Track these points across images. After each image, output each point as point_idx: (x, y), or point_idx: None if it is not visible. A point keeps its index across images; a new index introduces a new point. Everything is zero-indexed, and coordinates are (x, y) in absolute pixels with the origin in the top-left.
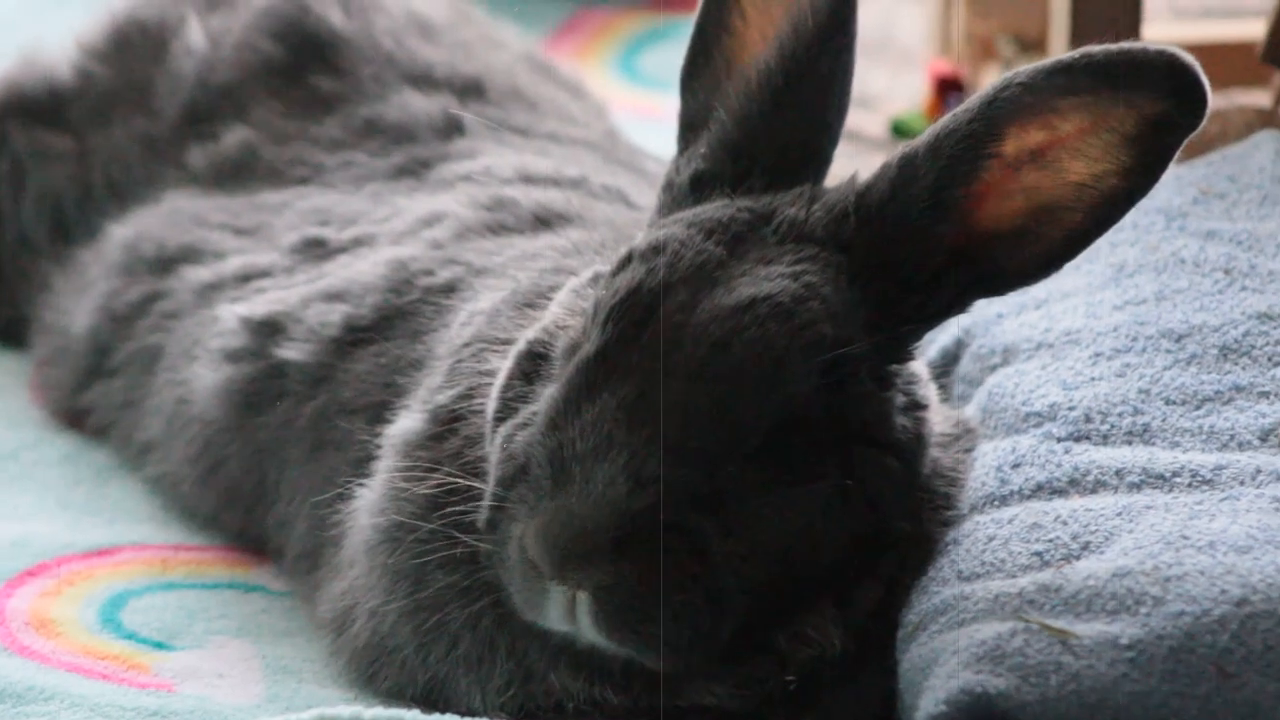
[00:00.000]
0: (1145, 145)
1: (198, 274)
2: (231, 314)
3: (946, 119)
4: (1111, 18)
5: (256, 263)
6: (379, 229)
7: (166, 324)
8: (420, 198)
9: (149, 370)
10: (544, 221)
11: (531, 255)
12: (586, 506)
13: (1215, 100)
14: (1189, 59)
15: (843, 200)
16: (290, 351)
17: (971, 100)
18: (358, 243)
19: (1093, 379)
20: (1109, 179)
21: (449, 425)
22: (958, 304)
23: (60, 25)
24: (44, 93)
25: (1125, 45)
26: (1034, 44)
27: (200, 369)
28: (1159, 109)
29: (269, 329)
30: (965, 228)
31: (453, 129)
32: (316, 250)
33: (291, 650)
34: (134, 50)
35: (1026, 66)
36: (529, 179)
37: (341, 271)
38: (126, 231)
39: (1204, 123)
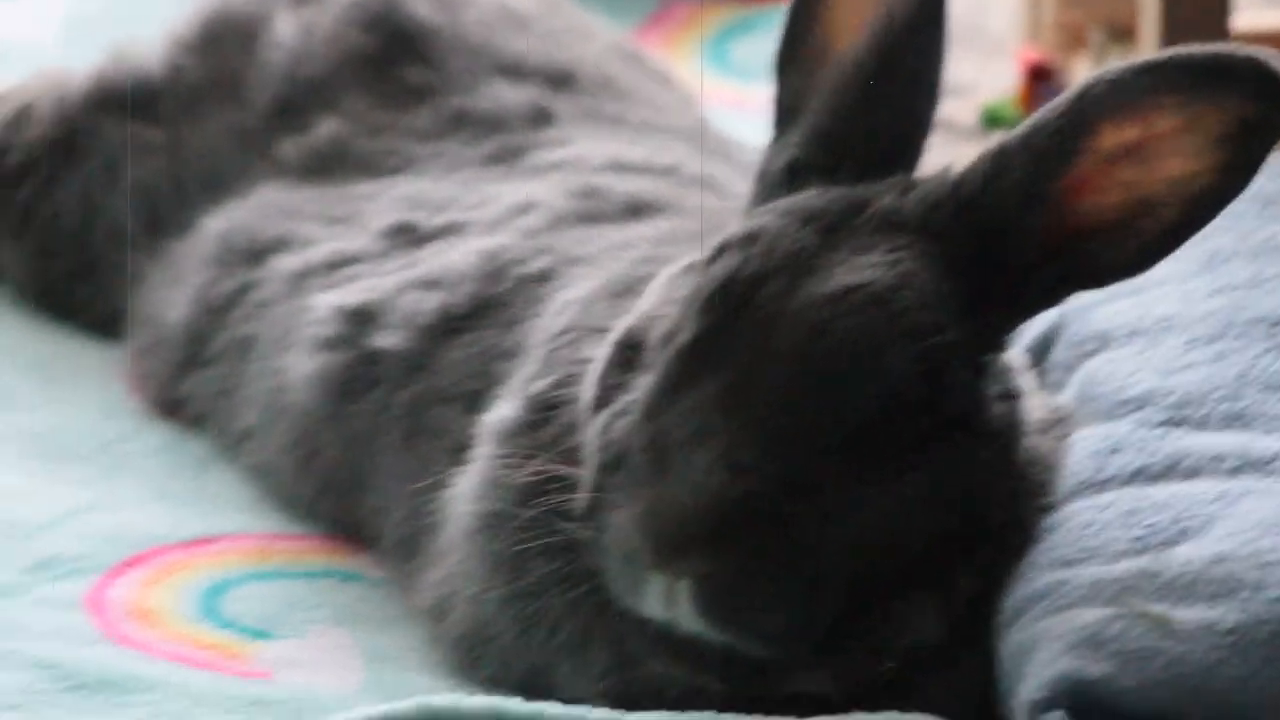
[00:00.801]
0: (1236, 145)
1: (289, 263)
2: (324, 302)
3: (1039, 113)
4: (1203, 6)
5: (347, 249)
6: (471, 217)
7: (260, 314)
8: (512, 186)
9: (244, 360)
10: (636, 210)
11: (625, 244)
12: (685, 494)
13: None
14: (1275, 63)
15: (937, 190)
16: (384, 339)
17: (1064, 95)
18: (450, 230)
19: (1188, 365)
20: (1202, 176)
21: (545, 413)
22: (1052, 296)
23: (150, 21)
24: (135, 87)
25: (1212, 49)
26: (1125, 32)
27: (294, 358)
28: (1247, 111)
29: (362, 317)
30: (1060, 221)
31: (543, 118)
32: (408, 236)
33: (390, 638)
34: (224, 43)
35: (1116, 64)
36: (620, 167)
37: (434, 259)
38: (219, 223)
39: None
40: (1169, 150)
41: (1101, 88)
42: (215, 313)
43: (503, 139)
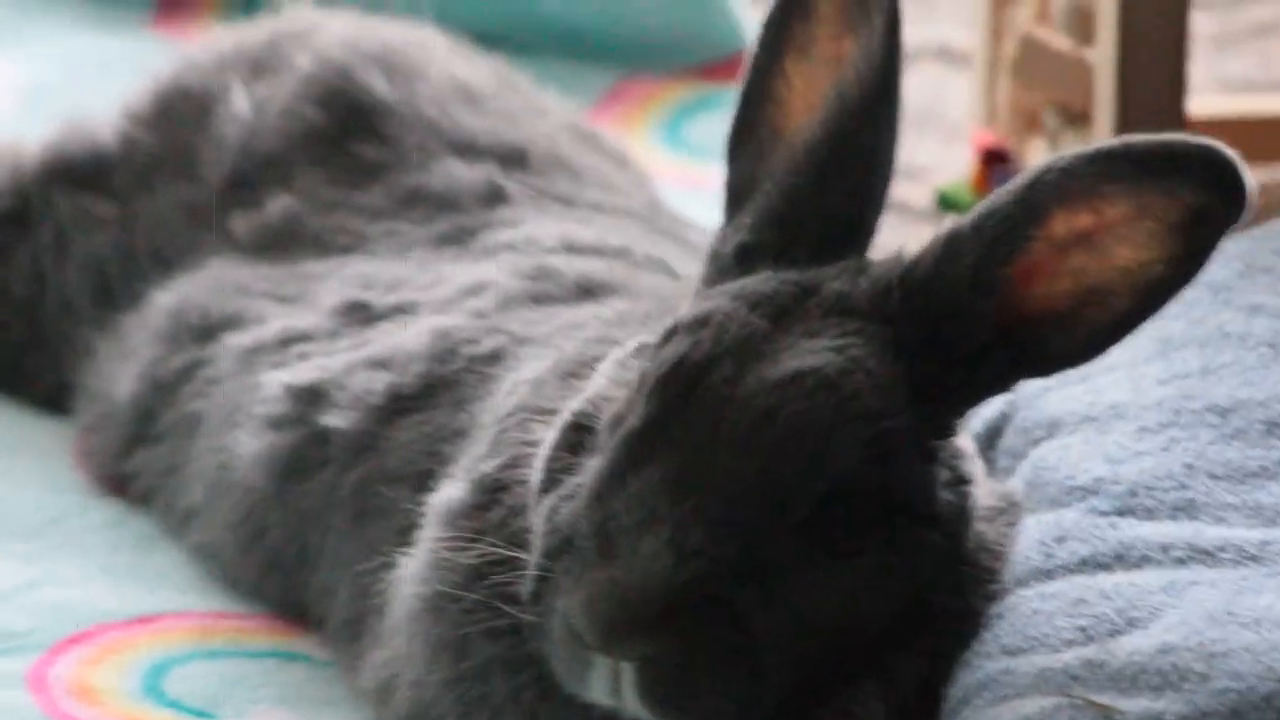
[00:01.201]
0: (1188, 234)
1: (239, 340)
2: (274, 381)
3: (992, 198)
4: (1156, 91)
5: (298, 327)
6: (422, 296)
7: (209, 391)
8: (464, 266)
9: (191, 437)
10: (588, 291)
11: (575, 325)
12: (632, 578)
13: (1262, 174)
14: (1228, 154)
15: (888, 274)
16: (333, 419)
17: (1016, 181)
18: (401, 309)
19: (1138, 453)
20: (1154, 265)
21: (493, 495)
22: (1002, 382)
23: (107, 93)
24: (88, 159)
25: (1164, 138)
26: (1080, 117)
27: (242, 436)
28: (1200, 201)
29: (312, 396)
30: (1010, 307)
31: (496, 197)
32: (359, 315)
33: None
34: (178, 117)
35: (1069, 151)
36: (572, 248)
37: (385, 339)
38: (170, 299)
39: (1245, 214)
40: (1120, 238)
41: (1053, 175)
42: (163, 389)
43: (455, 218)
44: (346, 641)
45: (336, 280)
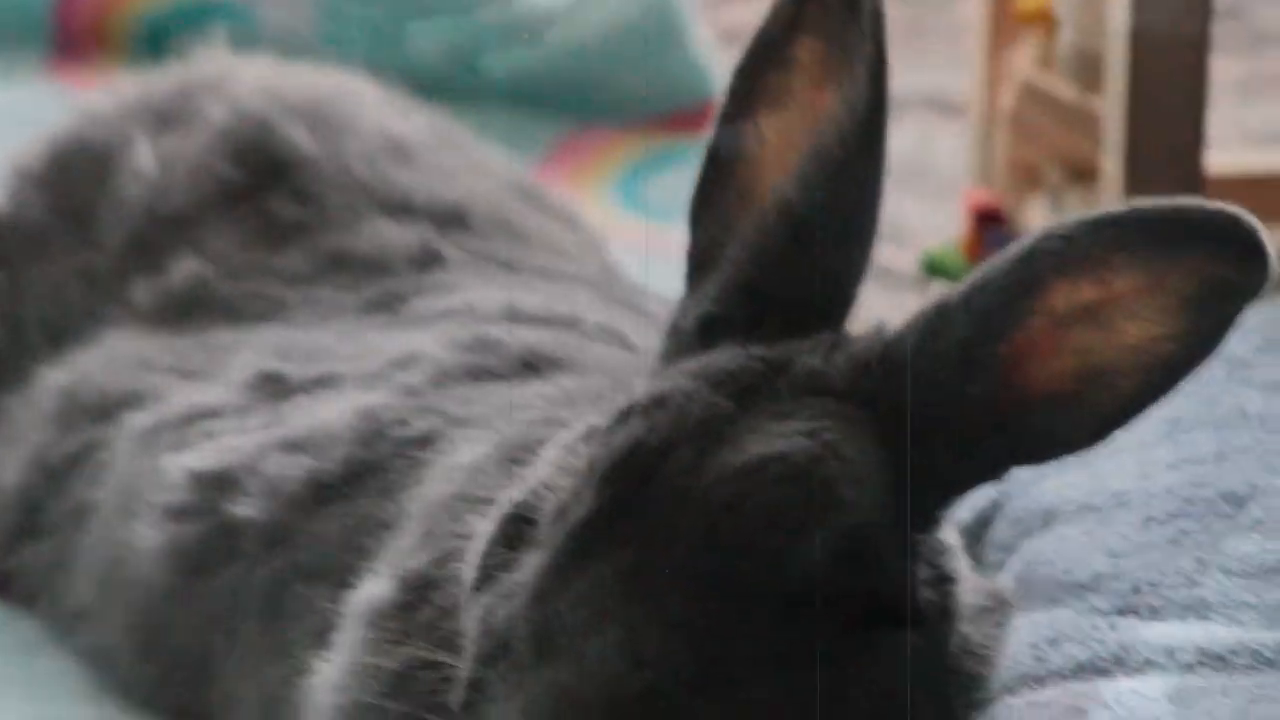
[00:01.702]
0: (1204, 308)
1: (138, 420)
2: (176, 465)
3: (985, 266)
4: (1171, 145)
5: (204, 403)
6: (346, 369)
7: (104, 477)
8: (393, 336)
9: (83, 529)
10: (532, 366)
11: (517, 404)
12: (577, 682)
13: None
14: (1250, 221)
15: (868, 351)
16: (244, 508)
17: (1013, 248)
18: (321, 384)
19: (1143, 546)
20: (1166, 343)
21: (421, 593)
22: (993, 470)
23: None
24: None
25: (1179, 204)
26: (1085, 173)
27: (141, 527)
28: (1218, 273)
29: (219, 482)
30: (1005, 388)
31: (431, 260)
32: (274, 389)
33: None
34: (75, 174)
35: (1072, 215)
36: (516, 317)
37: (303, 418)
38: (61, 375)
39: (1266, 285)
40: (1129, 313)
41: (1054, 241)
42: (53, 477)
43: (384, 283)
44: None
45: (249, 350)
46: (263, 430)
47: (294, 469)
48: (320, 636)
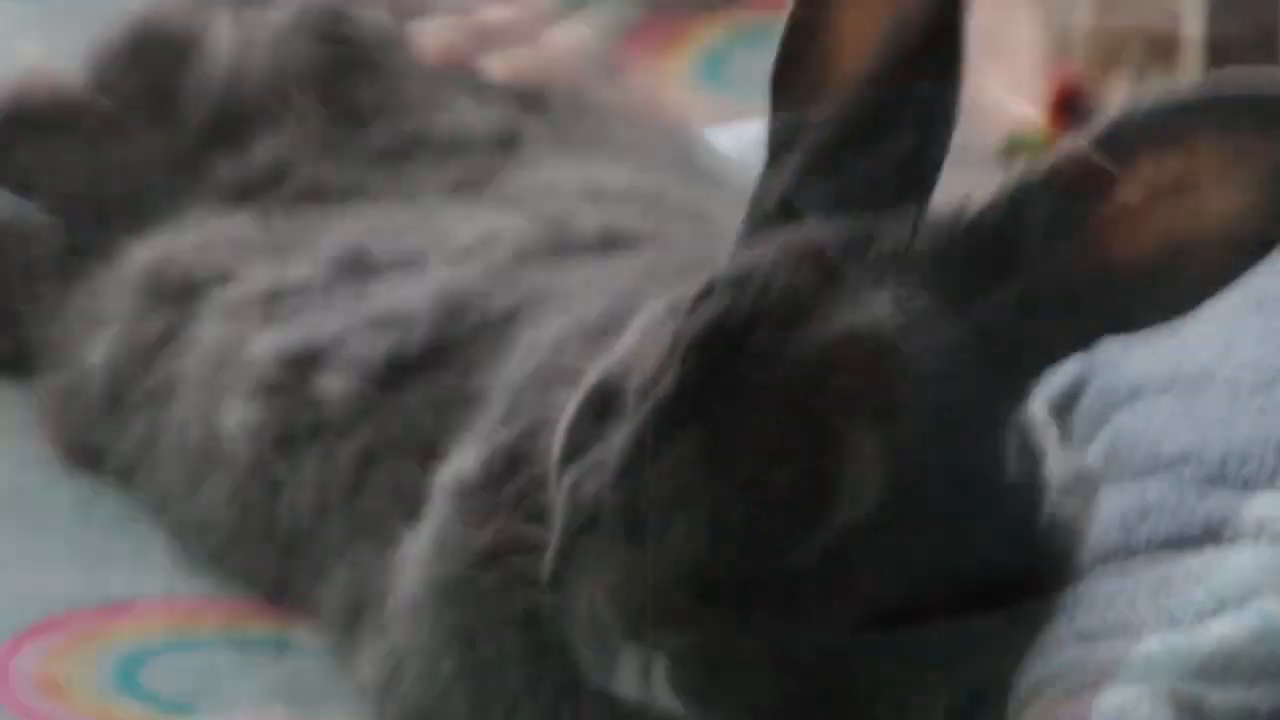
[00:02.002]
0: None
1: (224, 298)
2: (263, 343)
3: (1067, 142)
4: (1253, 19)
5: (289, 282)
6: (428, 249)
7: (190, 354)
8: (476, 215)
9: (171, 407)
10: (614, 242)
11: (601, 279)
12: (664, 560)
13: None
14: None
15: (952, 226)
16: (329, 385)
17: (1096, 123)
18: (405, 262)
19: (1231, 419)
20: (1250, 215)
21: (509, 467)
22: (1079, 343)
23: (64, 41)
24: (52, 105)
25: (1259, 79)
26: (1170, 47)
27: (228, 403)
28: None
29: (305, 360)
30: (1090, 260)
31: (512, 140)
32: (358, 268)
33: (331, 716)
34: (155, 55)
35: (1155, 90)
36: (598, 194)
37: (387, 295)
38: (148, 253)
39: None
40: (1213, 186)
41: (1138, 117)
42: (141, 353)
43: (466, 163)
44: (344, 629)
45: (333, 230)
46: (347, 308)
47: (378, 345)
48: (408, 511)
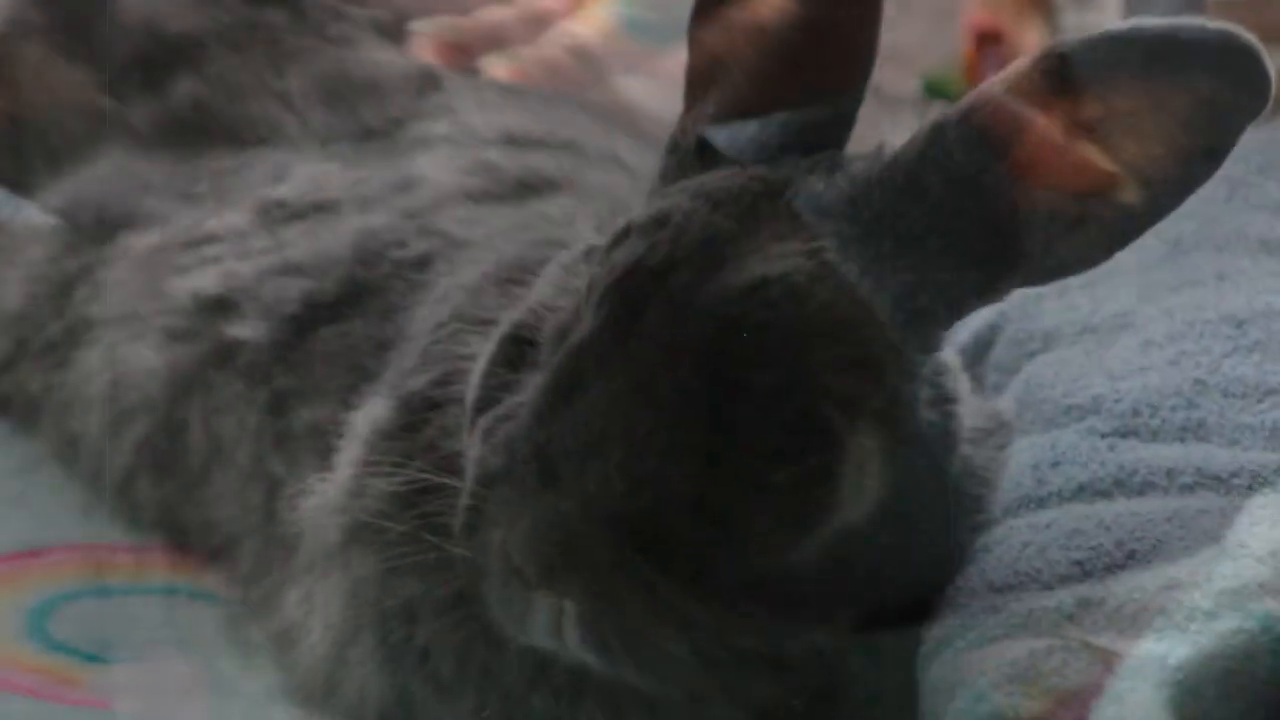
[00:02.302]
0: (1204, 129)
1: (139, 242)
2: (178, 288)
3: (983, 86)
4: None
5: (206, 227)
6: (345, 194)
7: (105, 298)
8: (392, 160)
9: (82, 350)
10: (531, 188)
11: (517, 226)
12: (577, 507)
13: None
14: (1250, 42)
15: (867, 171)
16: (243, 330)
17: (1011, 67)
18: (320, 208)
19: (1142, 368)
20: (1166, 161)
21: (422, 414)
22: (994, 291)
23: None
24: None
25: (1177, 23)
26: None
27: (141, 349)
28: (1218, 93)
29: (219, 305)
30: (1004, 207)
31: (428, 85)
32: (274, 214)
33: (239, 665)
34: None
35: (1071, 37)
36: (514, 140)
37: (302, 241)
38: (60, 196)
39: (1267, 106)
40: (1129, 132)
41: (1053, 61)
42: (53, 296)
43: (382, 108)
44: (255, 576)
45: (249, 175)
46: (262, 254)
47: (292, 290)
48: (320, 457)
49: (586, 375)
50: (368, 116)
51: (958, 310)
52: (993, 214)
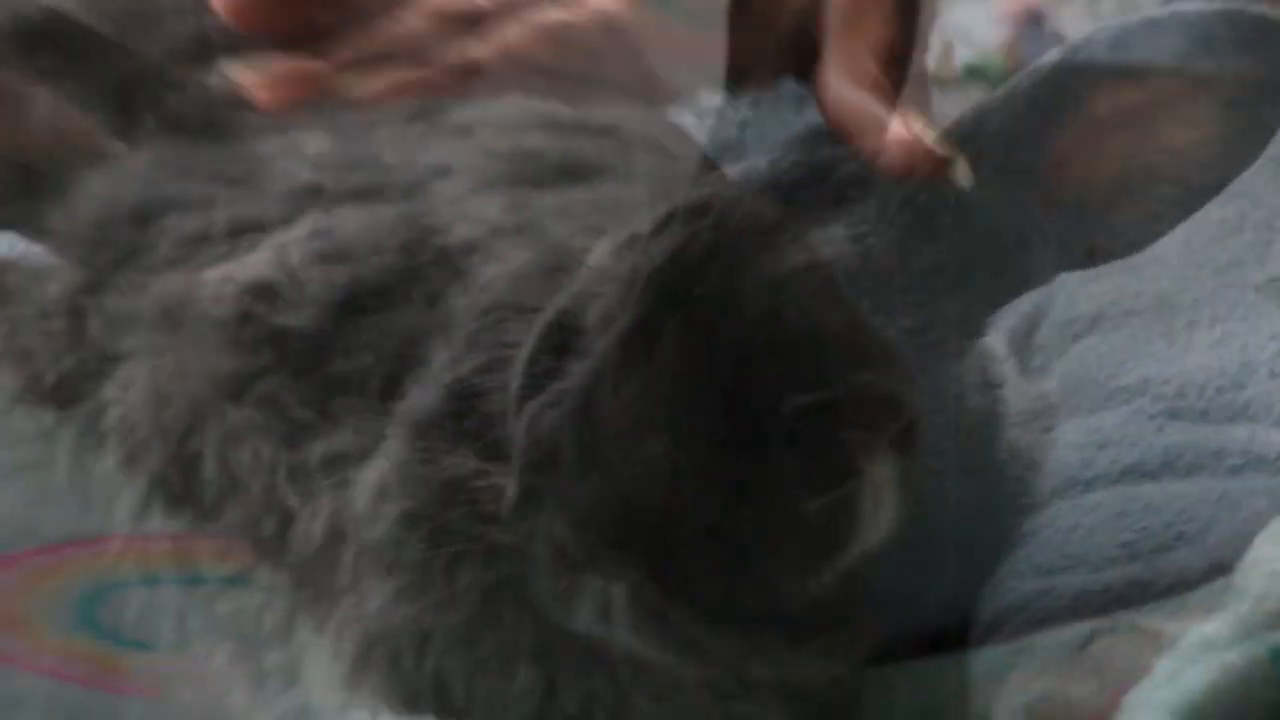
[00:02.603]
0: (1248, 113)
1: (182, 227)
2: (220, 276)
3: (1025, 71)
4: None
5: (248, 214)
6: (387, 179)
7: (148, 285)
8: (433, 145)
9: (128, 338)
10: (573, 174)
11: (559, 212)
12: (624, 492)
13: None
14: None
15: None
16: (287, 318)
17: (1052, 52)
18: (363, 194)
19: (1188, 349)
20: (1209, 146)
21: (468, 401)
22: (1039, 276)
23: None
24: (13, 32)
25: (1222, 6)
26: None
27: (184, 338)
28: (1261, 76)
29: (262, 292)
30: (1048, 192)
31: (470, 69)
32: (315, 200)
33: (288, 653)
34: None
35: (1112, 20)
36: (556, 125)
37: (345, 227)
38: (103, 182)
39: None
40: (1172, 117)
41: (1095, 47)
42: (98, 281)
43: (423, 91)
44: (305, 566)
45: (291, 161)
46: (305, 242)
47: (335, 276)
48: (368, 446)
49: (632, 362)
50: (408, 101)
51: (1003, 295)
52: (1035, 201)
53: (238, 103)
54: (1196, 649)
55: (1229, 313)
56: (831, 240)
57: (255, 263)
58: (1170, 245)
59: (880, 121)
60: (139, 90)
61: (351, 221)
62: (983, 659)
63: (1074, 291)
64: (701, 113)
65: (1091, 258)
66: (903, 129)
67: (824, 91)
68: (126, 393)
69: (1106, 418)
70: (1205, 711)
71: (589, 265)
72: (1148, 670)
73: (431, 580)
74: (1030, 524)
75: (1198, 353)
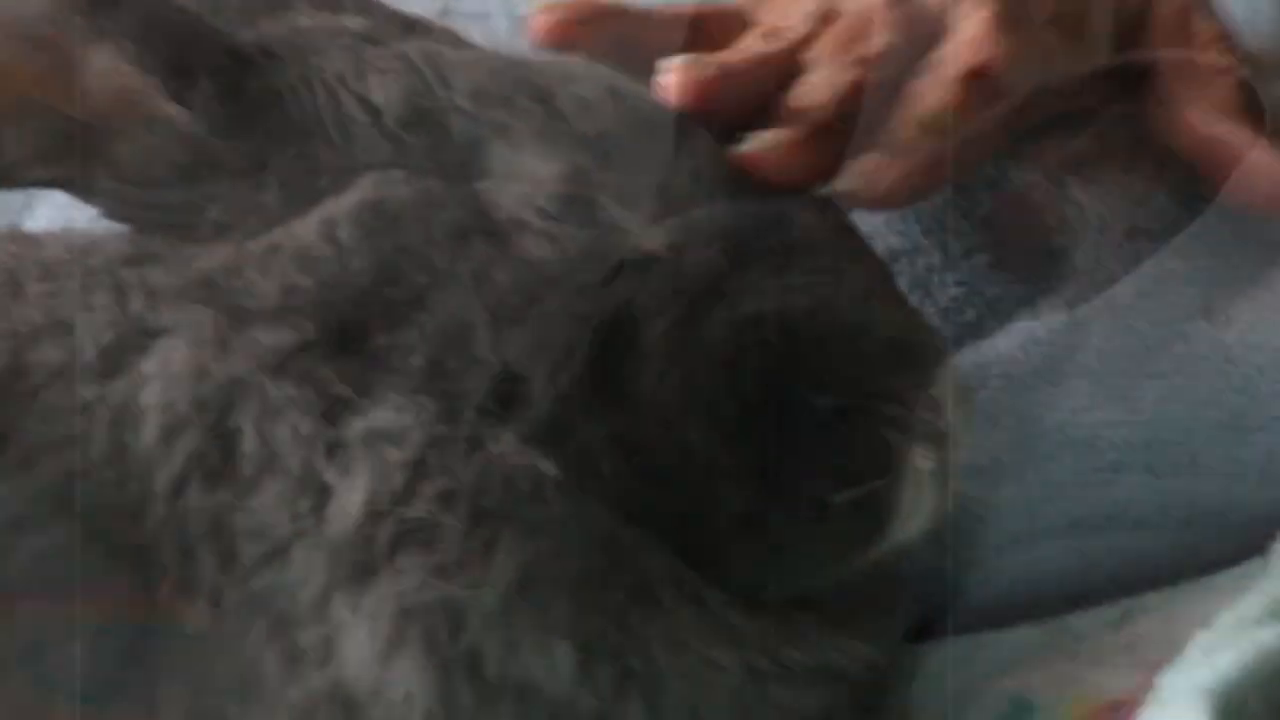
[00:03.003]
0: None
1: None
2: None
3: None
4: None
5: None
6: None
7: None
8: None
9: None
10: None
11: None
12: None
13: None
14: None
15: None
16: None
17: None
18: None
19: (1138, 401)
20: (1151, 201)
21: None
22: (985, 327)
23: None
24: None
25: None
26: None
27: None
28: None
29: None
30: (988, 243)
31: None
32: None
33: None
34: None
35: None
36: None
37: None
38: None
39: None
40: (1117, 167)
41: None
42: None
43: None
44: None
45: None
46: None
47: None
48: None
49: (576, 417)
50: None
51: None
52: (976, 252)
53: (301, 58)
54: (1230, 629)
55: (1178, 366)
56: (783, 290)
57: (301, 233)
58: (1113, 299)
59: (1244, 152)
60: (200, 55)
61: (402, 191)
62: (1018, 638)
63: (1020, 342)
64: None
65: (1032, 306)
66: (1269, 159)
67: (1175, 122)
68: (166, 367)
69: (1054, 469)
70: (1241, 691)
71: (640, 251)
72: (1181, 650)
73: (469, 559)
74: (979, 575)
75: (1147, 405)
